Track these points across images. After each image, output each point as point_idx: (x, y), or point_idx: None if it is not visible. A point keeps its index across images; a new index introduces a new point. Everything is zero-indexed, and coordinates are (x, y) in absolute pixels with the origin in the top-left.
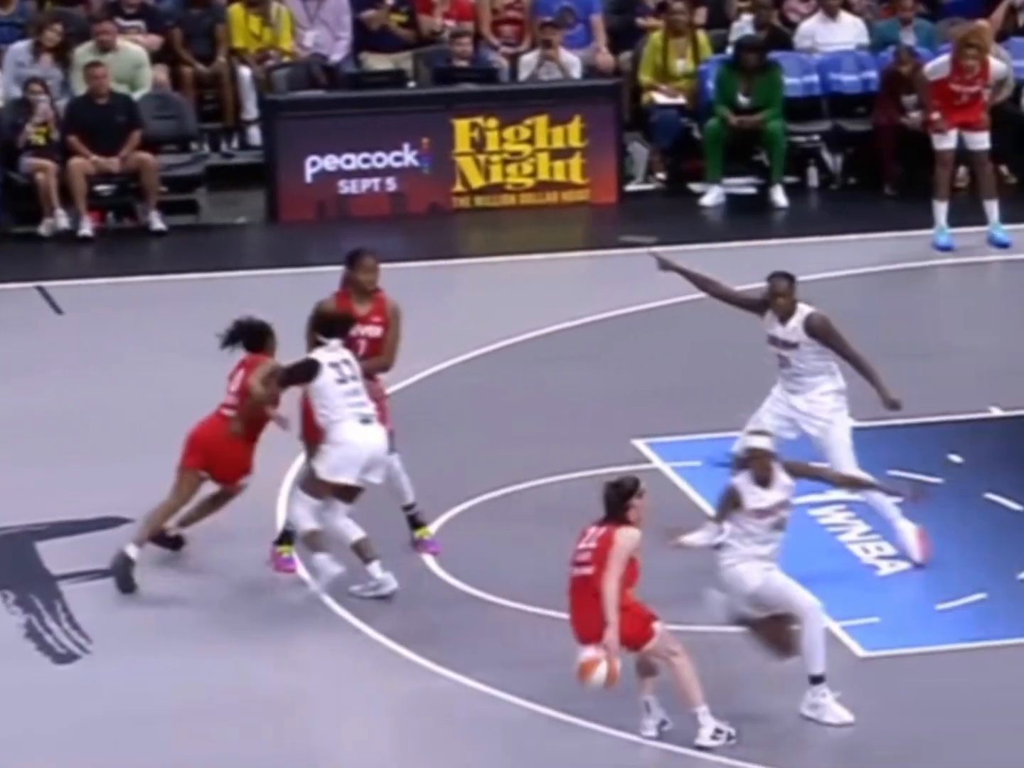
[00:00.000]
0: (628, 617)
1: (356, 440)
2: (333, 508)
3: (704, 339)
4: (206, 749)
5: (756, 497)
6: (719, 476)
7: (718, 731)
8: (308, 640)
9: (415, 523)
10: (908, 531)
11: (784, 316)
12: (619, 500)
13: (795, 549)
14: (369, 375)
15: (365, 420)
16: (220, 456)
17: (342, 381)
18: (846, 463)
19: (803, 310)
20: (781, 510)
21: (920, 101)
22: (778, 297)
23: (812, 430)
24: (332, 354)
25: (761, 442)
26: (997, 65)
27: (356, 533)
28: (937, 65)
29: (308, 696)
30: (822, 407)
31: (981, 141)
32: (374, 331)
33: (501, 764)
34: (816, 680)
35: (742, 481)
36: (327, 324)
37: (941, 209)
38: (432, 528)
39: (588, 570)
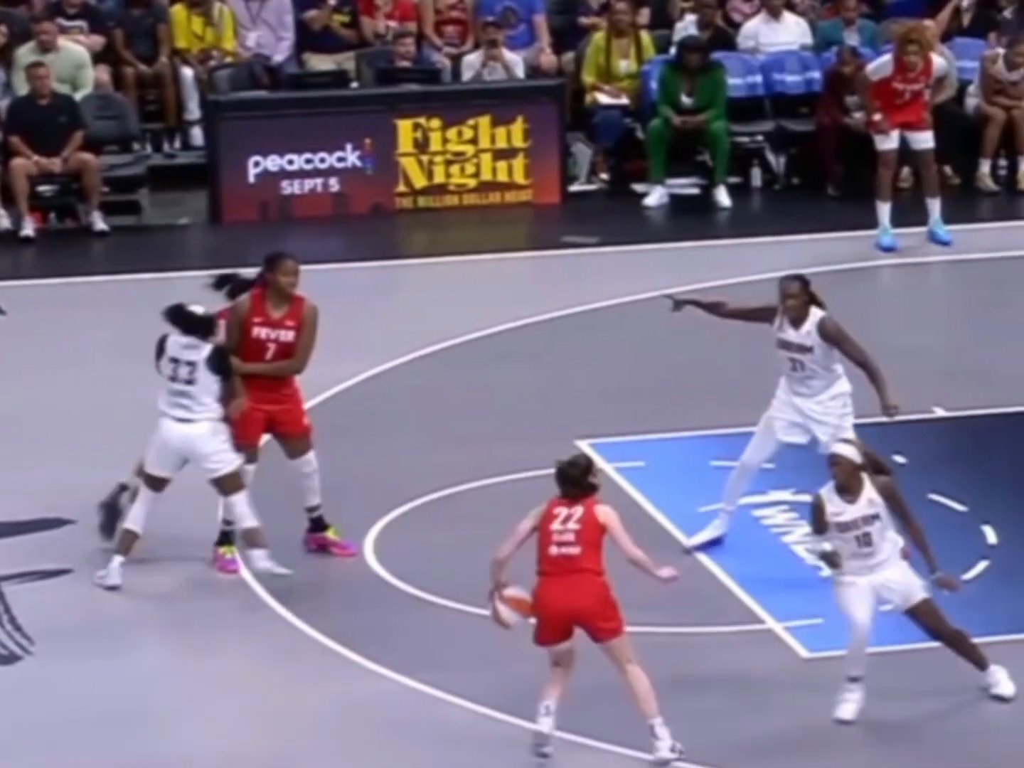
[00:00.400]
0: (608, 605)
1: (163, 436)
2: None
3: (648, 339)
4: (148, 750)
5: (836, 510)
6: (662, 477)
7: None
8: (249, 640)
9: (319, 525)
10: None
11: (796, 319)
12: (580, 476)
13: (738, 550)
14: (279, 378)
15: (181, 420)
16: None
17: (172, 379)
18: None
19: (815, 313)
20: (867, 525)
21: (861, 102)
22: (788, 299)
23: (822, 436)
24: (184, 349)
25: (846, 450)
26: (939, 62)
27: (250, 521)
28: (879, 65)
29: (249, 697)
30: (831, 410)
31: (925, 140)
32: (286, 335)
33: (443, 765)
34: (850, 679)
35: (826, 492)
36: (182, 318)
37: (884, 210)
38: (376, 528)
39: (574, 550)
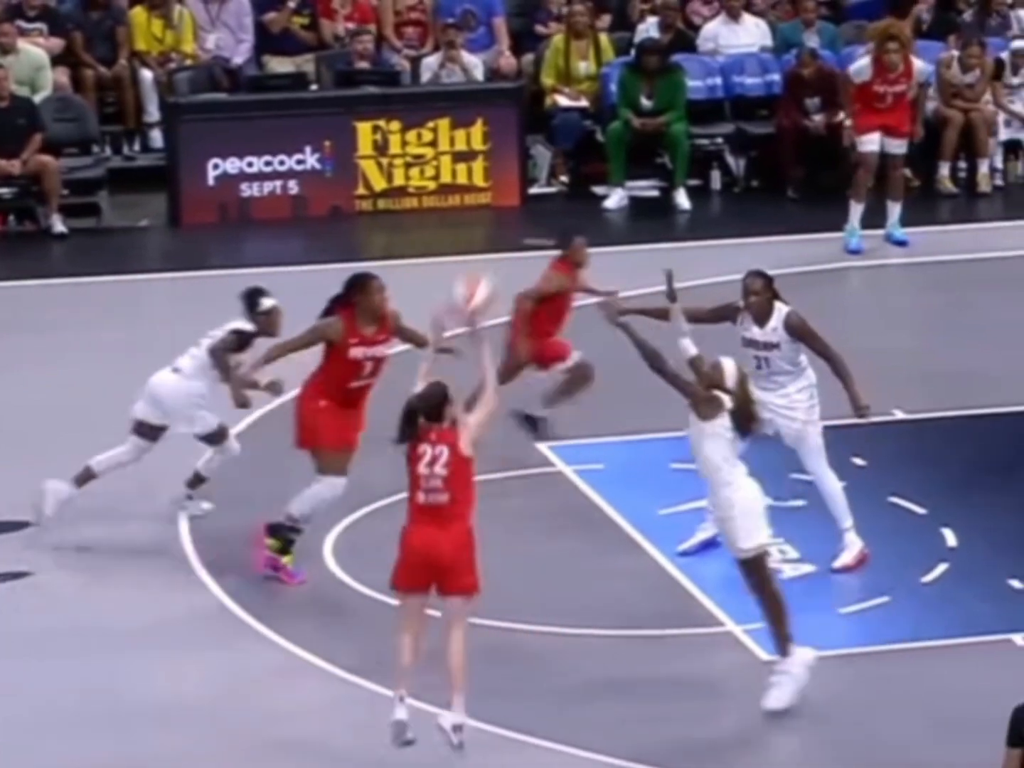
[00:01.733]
0: (469, 557)
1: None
2: None
3: (608, 341)
4: (109, 752)
5: None
6: (622, 480)
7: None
8: (213, 646)
9: (286, 547)
10: (853, 546)
11: (760, 317)
12: (436, 410)
13: (698, 553)
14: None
15: (172, 369)
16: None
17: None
18: (819, 469)
19: (781, 309)
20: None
21: (840, 104)
22: (751, 296)
23: (788, 431)
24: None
25: (728, 365)
26: (920, 64)
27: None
28: (859, 68)
29: (214, 703)
30: (799, 404)
31: (900, 146)
32: (382, 350)
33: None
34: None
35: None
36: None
37: (857, 211)
38: (335, 530)
39: (443, 498)
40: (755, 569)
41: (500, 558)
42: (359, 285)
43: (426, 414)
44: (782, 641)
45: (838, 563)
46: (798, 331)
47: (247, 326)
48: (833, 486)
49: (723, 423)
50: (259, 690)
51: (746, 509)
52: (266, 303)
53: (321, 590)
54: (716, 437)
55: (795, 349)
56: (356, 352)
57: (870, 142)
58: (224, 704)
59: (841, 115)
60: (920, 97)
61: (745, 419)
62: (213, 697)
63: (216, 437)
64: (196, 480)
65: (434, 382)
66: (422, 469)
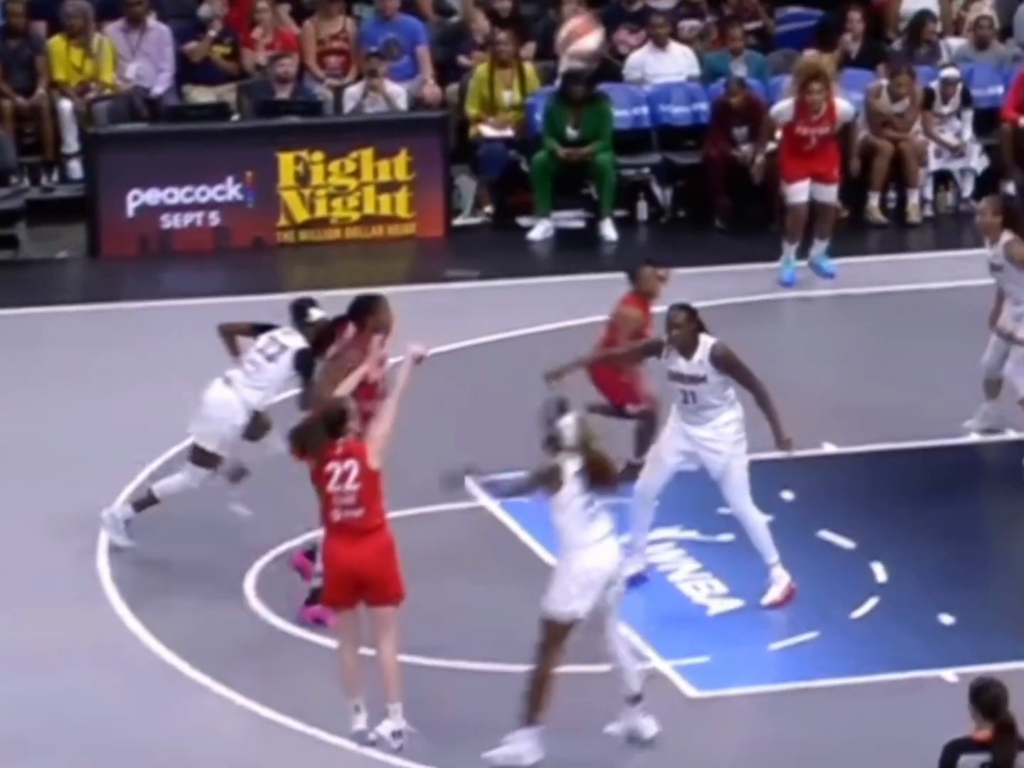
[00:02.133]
0: (391, 564)
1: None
2: None
3: (531, 373)
4: None
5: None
6: (545, 514)
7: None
8: (121, 678)
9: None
10: (781, 580)
11: (685, 349)
12: (337, 425)
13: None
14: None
15: (225, 380)
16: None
17: (260, 350)
18: (741, 504)
19: (706, 342)
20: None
21: (758, 138)
22: (674, 328)
23: (713, 465)
24: (284, 335)
25: (592, 431)
26: (843, 106)
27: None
28: (780, 109)
29: (124, 735)
30: (724, 438)
31: (830, 193)
32: (388, 366)
33: None
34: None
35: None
36: (296, 307)
37: (791, 249)
38: (257, 566)
39: (358, 512)
40: (552, 635)
41: (423, 593)
42: (369, 307)
43: (328, 430)
44: (527, 711)
45: (767, 599)
46: (723, 362)
47: (302, 341)
48: (756, 520)
49: (568, 492)
50: (180, 728)
51: (577, 575)
52: (315, 314)
53: (241, 627)
54: (563, 508)
55: (722, 382)
56: (372, 375)
57: (799, 192)
58: (138, 741)
59: (771, 146)
60: (851, 134)
61: (598, 477)
62: (129, 733)
63: (209, 461)
64: (147, 501)
65: (334, 398)
66: (333, 487)
